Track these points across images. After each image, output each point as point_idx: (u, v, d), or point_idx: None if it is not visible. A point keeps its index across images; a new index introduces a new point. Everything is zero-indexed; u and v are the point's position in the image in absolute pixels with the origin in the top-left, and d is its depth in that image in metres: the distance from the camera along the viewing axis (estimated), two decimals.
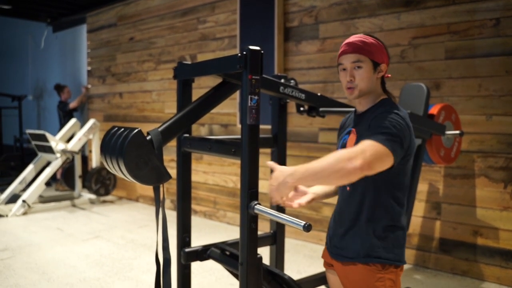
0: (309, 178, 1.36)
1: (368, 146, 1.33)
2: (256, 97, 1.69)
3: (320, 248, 3.92)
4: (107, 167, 1.78)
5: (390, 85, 3.56)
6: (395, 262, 1.52)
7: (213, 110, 5.22)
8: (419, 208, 3.45)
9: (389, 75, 1.65)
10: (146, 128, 5.75)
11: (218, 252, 2.22)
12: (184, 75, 2.11)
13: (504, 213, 3.10)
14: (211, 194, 5.08)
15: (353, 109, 1.79)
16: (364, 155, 1.29)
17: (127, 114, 6.11)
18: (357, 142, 1.52)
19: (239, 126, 4.68)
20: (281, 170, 1.40)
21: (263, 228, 3.52)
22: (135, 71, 5.95)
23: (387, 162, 1.37)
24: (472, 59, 3.17)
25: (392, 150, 1.36)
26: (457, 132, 2.85)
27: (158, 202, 1.85)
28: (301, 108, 2.54)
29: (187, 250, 2.23)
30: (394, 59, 3.56)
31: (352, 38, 1.59)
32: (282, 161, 2.46)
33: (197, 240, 4.10)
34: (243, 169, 1.70)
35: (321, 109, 2.39)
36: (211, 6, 4.93)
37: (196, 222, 4.90)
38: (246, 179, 1.69)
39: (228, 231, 4.60)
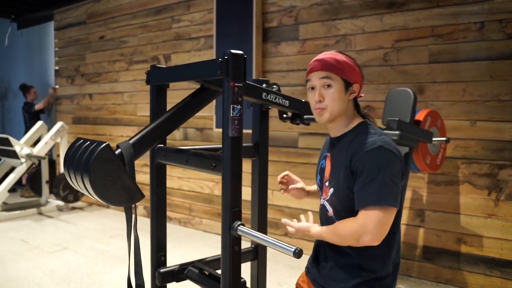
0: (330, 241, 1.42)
1: (368, 218, 1.28)
2: (239, 107, 1.53)
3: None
4: (70, 183, 1.58)
5: (372, 88, 3.49)
6: None
7: None
8: (402, 216, 3.36)
9: (362, 95, 1.51)
10: (117, 131, 5.54)
11: (196, 272, 2.04)
12: (158, 80, 1.92)
13: (488, 221, 3.04)
14: (186, 201, 4.88)
15: None
16: (367, 230, 1.28)
17: (98, 116, 5.83)
18: (332, 172, 1.45)
19: (215, 130, 4.50)
20: (308, 228, 1.46)
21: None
22: (106, 71, 5.68)
23: (392, 216, 1.30)
24: (456, 63, 3.09)
25: (392, 204, 1.28)
26: (444, 138, 2.76)
27: (129, 223, 1.66)
28: (284, 115, 2.39)
29: (162, 270, 2.04)
30: (376, 62, 3.46)
31: (322, 55, 1.45)
32: (264, 172, 2.30)
33: (173, 250, 3.91)
34: (224, 186, 1.53)
35: (306, 116, 2.25)
36: (186, 5, 4.73)
37: (170, 229, 4.70)
38: (228, 198, 1.53)
39: (204, 239, 4.42)
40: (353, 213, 1.36)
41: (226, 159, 1.52)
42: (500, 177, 2.98)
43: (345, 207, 1.39)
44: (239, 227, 1.51)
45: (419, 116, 2.72)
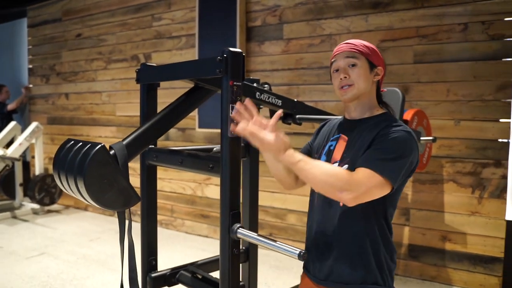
0: (293, 168, 1.28)
1: (365, 178, 1.22)
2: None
3: (286, 258, 3.78)
4: (61, 187, 1.51)
5: None
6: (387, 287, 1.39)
7: None
8: None
9: (385, 90, 1.50)
10: (95, 131, 5.39)
11: (189, 276, 1.99)
12: (149, 79, 1.87)
13: (472, 218, 3.09)
14: (168, 202, 4.80)
15: (332, 116, 1.64)
16: (358, 189, 1.21)
17: (74, 117, 5.66)
18: (347, 152, 1.40)
19: (198, 130, 4.43)
20: (278, 138, 1.25)
21: None
22: (83, 70, 5.52)
23: (383, 191, 1.26)
24: (440, 63, 3.14)
25: (390, 179, 1.24)
26: (431, 138, 2.80)
27: (122, 227, 1.60)
28: None
29: (153, 275, 1.98)
30: None
31: (349, 41, 1.46)
32: (255, 172, 2.27)
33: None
34: (223, 188, 1.49)
35: (298, 116, 2.22)
36: (167, 3, 4.64)
37: None
38: (227, 200, 1.49)
39: (187, 241, 4.35)
40: (359, 207, 1.30)
41: (225, 160, 1.47)
42: (483, 175, 3.04)
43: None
44: (238, 230, 1.48)
45: (407, 115, 2.74)
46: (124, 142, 1.54)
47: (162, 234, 4.56)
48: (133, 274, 1.62)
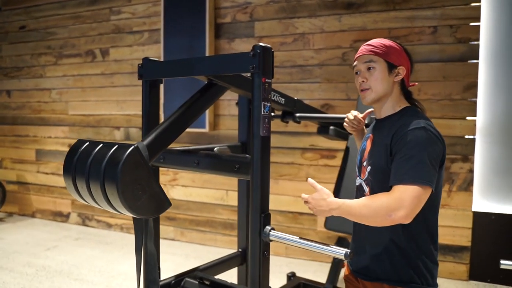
0: (349, 218, 1.34)
1: (405, 193, 1.25)
2: (269, 104, 1.44)
3: (272, 257, 3.75)
4: (76, 196, 1.37)
5: (331, 87, 3.56)
6: (427, 286, 1.39)
7: (130, 111, 4.69)
8: None
9: (415, 84, 1.53)
10: (44, 131, 5.01)
11: (196, 283, 1.90)
12: (156, 75, 1.74)
13: (441, 211, 3.25)
14: None
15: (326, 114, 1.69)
16: (403, 205, 1.24)
17: (18, 116, 5.21)
18: (370, 152, 1.45)
19: None
20: (327, 201, 1.37)
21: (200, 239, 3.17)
22: (28, 66, 5.09)
23: (427, 194, 1.28)
24: None
25: (429, 183, 1.26)
26: None
27: (140, 235, 1.48)
28: (272, 113, 2.33)
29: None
30: (335, 61, 3.54)
31: (370, 41, 1.52)
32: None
33: (123, 259, 3.62)
34: (254, 190, 1.43)
35: (298, 114, 2.20)
36: None
37: (112, 238, 4.38)
38: (258, 202, 1.43)
39: None
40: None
41: (256, 160, 1.41)
42: (452, 170, 3.22)
43: (381, 186, 1.37)
44: (271, 232, 1.43)
45: None
46: (145, 142, 1.43)
47: (125, 239, 4.35)
48: (154, 286, 1.50)
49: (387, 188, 1.33)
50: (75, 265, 3.53)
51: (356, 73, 1.50)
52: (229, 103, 3.99)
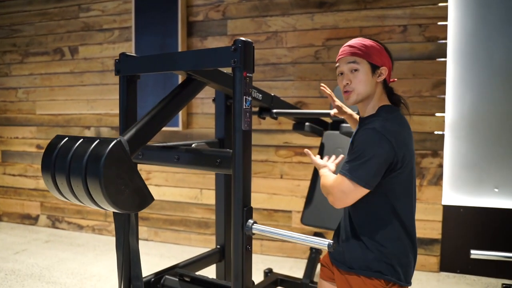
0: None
1: (336, 182, 1.41)
2: (250, 98, 1.45)
3: None
4: (55, 193, 1.34)
5: (304, 85, 3.60)
6: (397, 281, 1.43)
7: (101, 111, 4.59)
8: None
9: (395, 80, 1.57)
10: (10, 132, 4.85)
11: (176, 280, 1.90)
12: (132, 70, 1.72)
13: None
14: None
15: (303, 110, 1.79)
16: (332, 192, 1.41)
17: None
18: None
19: None
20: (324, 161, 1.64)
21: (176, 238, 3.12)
22: None
23: (359, 192, 1.37)
24: None
25: (360, 182, 1.35)
26: None
27: (121, 231, 1.46)
28: None
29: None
30: (308, 59, 3.58)
31: (350, 41, 1.52)
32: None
33: (96, 261, 3.55)
34: (236, 183, 1.43)
35: (275, 110, 2.22)
36: None
37: (83, 239, 4.28)
38: (240, 195, 1.44)
39: None
40: (364, 199, 1.40)
41: (238, 154, 1.42)
42: (423, 165, 3.32)
43: None
44: (253, 226, 1.44)
45: None
46: (125, 137, 1.41)
47: (96, 240, 4.26)
48: (138, 282, 1.49)
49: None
50: (46, 268, 3.43)
51: (339, 74, 1.51)
52: (202, 101, 3.98)
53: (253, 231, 1.44)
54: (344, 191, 1.37)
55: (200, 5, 3.93)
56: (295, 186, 3.68)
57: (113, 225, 4.38)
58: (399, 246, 1.44)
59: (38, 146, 4.70)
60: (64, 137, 1.35)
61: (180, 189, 4.09)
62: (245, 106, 1.42)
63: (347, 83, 1.46)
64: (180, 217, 4.12)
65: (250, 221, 1.45)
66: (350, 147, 1.46)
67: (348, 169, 1.36)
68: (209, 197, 3.98)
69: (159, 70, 1.63)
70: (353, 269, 1.46)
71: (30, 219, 4.80)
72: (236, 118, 1.41)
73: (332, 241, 1.30)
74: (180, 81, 3.84)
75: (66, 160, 1.25)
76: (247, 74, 1.42)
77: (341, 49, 1.51)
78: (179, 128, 3.95)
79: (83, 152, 1.23)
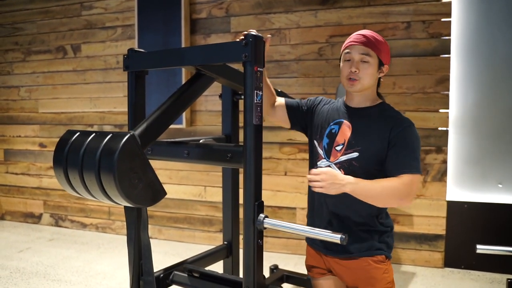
0: (361, 196, 1.41)
1: (413, 182, 1.42)
2: (261, 93, 1.45)
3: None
4: (67, 188, 1.34)
5: (308, 81, 3.60)
6: (389, 255, 1.59)
7: (104, 109, 4.60)
8: None
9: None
10: (12, 131, 4.85)
11: (185, 276, 1.89)
12: (141, 66, 1.72)
13: (417, 201, 3.36)
14: (104, 204, 4.48)
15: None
16: (412, 191, 1.42)
17: None
18: (355, 139, 1.50)
19: None
20: (343, 175, 1.40)
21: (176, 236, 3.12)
22: None
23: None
24: None
25: (421, 171, 1.48)
26: None
27: (133, 225, 1.47)
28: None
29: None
30: (311, 56, 3.58)
31: (364, 31, 1.56)
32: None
33: (100, 259, 3.55)
34: (247, 178, 1.44)
35: None
36: None
37: (87, 238, 4.28)
38: (251, 190, 1.44)
39: None
40: (373, 177, 1.43)
41: (249, 148, 1.42)
42: (427, 161, 3.32)
43: (368, 171, 1.46)
44: (265, 220, 1.44)
45: None
46: (136, 132, 1.41)
47: (100, 238, 4.26)
48: (149, 277, 1.49)
49: (375, 172, 1.46)
50: (51, 266, 3.44)
51: (347, 60, 1.53)
52: (206, 98, 3.98)
53: (265, 225, 1.44)
54: (418, 187, 1.53)
55: (203, 3, 3.93)
56: (299, 183, 3.69)
57: (116, 223, 4.39)
58: (390, 221, 1.61)
59: (41, 145, 4.70)
60: (75, 132, 1.35)
61: (184, 186, 4.09)
62: (256, 100, 1.43)
63: (355, 71, 1.49)
64: (184, 214, 4.12)
65: (262, 215, 1.45)
66: (373, 130, 1.49)
67: (414, 166, 1.43)
68: (213, 194, 3.99)
69: (168, 66, 1.64)
70: (353, 254, 1.54)
71: (33, 218, 4.80)
72: (247, 112, 1.42)
73: (345, 235, 1.31)
74: (184, 79, 3.84)
75: (78, 155, 1.26)
76: (258, 69, 1.43)
77: (354, 36, 1.54)
78: (183, 125, 3.95)
79: (96, 146, 1.23)
